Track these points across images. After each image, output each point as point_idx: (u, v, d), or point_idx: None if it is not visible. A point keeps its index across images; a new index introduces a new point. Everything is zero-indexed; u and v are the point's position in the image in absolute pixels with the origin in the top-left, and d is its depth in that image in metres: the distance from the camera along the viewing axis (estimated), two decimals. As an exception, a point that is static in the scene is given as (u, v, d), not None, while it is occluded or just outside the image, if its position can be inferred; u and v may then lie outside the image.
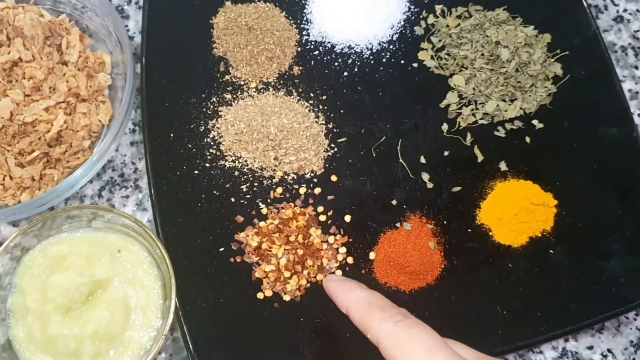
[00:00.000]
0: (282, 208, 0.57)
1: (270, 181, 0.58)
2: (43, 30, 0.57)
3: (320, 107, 0.61)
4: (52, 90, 0.55)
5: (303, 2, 0.64)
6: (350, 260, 0.55)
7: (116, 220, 0.51)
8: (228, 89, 0.61)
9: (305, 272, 0.54)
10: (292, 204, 0.57)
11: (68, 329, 0.47)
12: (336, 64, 0.62)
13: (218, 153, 0.58)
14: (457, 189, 0.58)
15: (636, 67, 0.66)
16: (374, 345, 0.51)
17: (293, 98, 0.61)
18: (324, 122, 0.60)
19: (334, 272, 0.54)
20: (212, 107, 0.60)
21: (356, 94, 0.61)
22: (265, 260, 0.54)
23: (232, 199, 0.57)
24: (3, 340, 0.49)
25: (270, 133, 0.58)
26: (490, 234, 0.56)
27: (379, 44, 0.63)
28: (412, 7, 0.65)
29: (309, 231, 0.55)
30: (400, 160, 0.59)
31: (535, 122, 0.60)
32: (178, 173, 0.57)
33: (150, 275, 0.51)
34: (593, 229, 0.56)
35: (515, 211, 0.56)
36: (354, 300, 0.42)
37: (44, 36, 0.57)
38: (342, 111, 0.60)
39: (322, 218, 0.56)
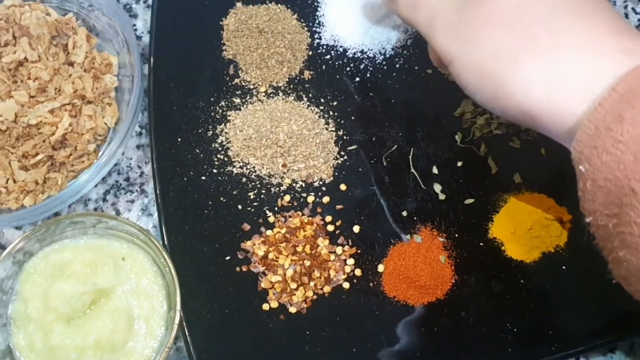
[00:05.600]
0: (290, 217, 0.55)
1: (278, 189, 0.56)
2: (49, 30, 0.56)
3: (331, 113, 0.59)
4: (57, 91, 0.54)
5: (316, 4, 0.63)
6: (358, 272, 0.54)
7: (120, 227, 0.50)
8: (237, 92, 0.60)
9: (312, 283, 0.53)
10: (299, 213, 0.56)
11: (70, 339, 0.47)
12: (348, 69, 0.61)
13: (226, 159, 0.57)
14: (469, 201, 0.56)
15: (656, 78, 0.64)
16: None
17: (303, 103, 0.59)
18: (334, 128, 0.59)
19: (341, 285, 0.53)
20: (220, 111, 0.59)
21: (368, 100, 0.60)
22: (271, 271, 0.53)
23: (239, 206, 0.56)
24: (3, 347, 0.48)
25: (279, 139, 0.57)
26: (503, 248, 0.55)
27: (393, 49, 0.62)
28: (427, 11, 0.63)
29: (316, 241, 0.54)
30: (412, 170, 0.57)
31: (551, 133, 0.59)
32: (185, 179, 0.56)
33: (155, 285, 0.50)
34: (608, 245, 0.55)
35: (529, 225, 0.55)
36: None
37: (50, 36, 0.56)
38: (352, 118, 0.59)
39: (330, 228, 0.55)
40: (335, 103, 0.60)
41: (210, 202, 0.55)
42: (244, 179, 0.57)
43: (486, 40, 0.37)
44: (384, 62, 0.61)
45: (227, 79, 0.60)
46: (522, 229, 0.55)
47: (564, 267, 0.54)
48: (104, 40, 0.60)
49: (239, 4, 0.62)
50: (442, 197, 0.56)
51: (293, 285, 0.53)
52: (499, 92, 0.37)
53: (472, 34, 0.38)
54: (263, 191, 0.56)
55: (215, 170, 0.57)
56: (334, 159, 0.58)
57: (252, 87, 0.60)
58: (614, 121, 0.32)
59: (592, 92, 0.34)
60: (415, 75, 0.61)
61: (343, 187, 0.57)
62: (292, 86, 0.60)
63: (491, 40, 0.37)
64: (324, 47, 0.62)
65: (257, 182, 0.57)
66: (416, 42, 0.62)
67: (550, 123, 0.36)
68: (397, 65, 0.61)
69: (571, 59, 0.35)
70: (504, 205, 0.56)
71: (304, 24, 0.62)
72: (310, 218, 0.55)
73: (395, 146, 0.58)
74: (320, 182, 0.57)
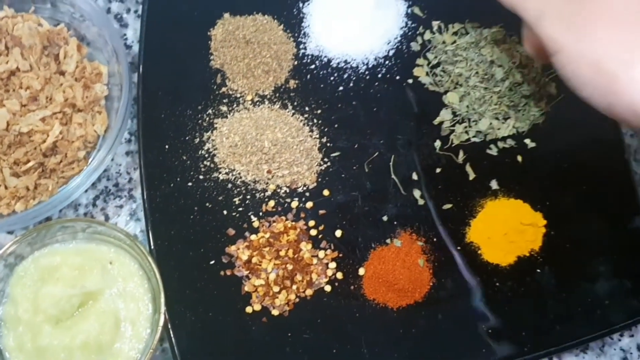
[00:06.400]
0: (274, 222, 0.57)
1: (262, 194, 0.58)
2: (41, 40, 0.57)
3: (315, 121, 0.61)
4: (48, 100, 0.56)
5: (301, 15, 0.65)
6: (339, 275, 0.56)
7: (109, 233, 0.52)
8: (224, 101, 0.61)
9: (294, 287, 0.55)
10: (283, 218, 0.57)
11: (58, 340, 0.48)
12: (332, 78, 0.63)
13: (212, 165, 0.59)
14: (448, 206, 0.58)
15: (631, 87, 0.66)
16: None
17: (288, 111, 0.61)
18: (317, 136, 0.60)
19: (322, 288, 0.55)
20: (207, 119, 0.60)
21: (351, 108, 0.62)
22: (254, 274, 0.55)
23: (225, 212, 0.57)
24: (-6, 348, 0.50)
25: (264, 147, 0.59)
26: (479, 252, 0.57)
27: (375, 59, 0.63)
28: (410, 22, 0.65)
29: (299, 246, 0.56)
30: (393, 176, 0.59)
31: (527, 141, 0.60)
32: (172, 185, 0.58)
33: (141, 288, 0.51)
34: (580, 250, 0.57)
35: (505, 230, 0.57)
36: None
37: (42, 46, 0.57)
38: (336, 125, 0.61)
39: (313, 232, 0.57)
40: (319, 111, 0.61)
41: (196, 208, 0.57)
42: (230, 185, 0.58)
43: (603, 35, 0.36)
44: (367, 72, 0.63)
45: (215, 87, 0.62)
46: (498, 234, 0.57)
47: (538, 270, 0.56)
48: (95, 50, 0.62)
49: (226, 15, 0.64)
50: (421, 202, 0.58)
51: (276, 289, 0.54)
52: (611, 89, 0.36)
53: (588, 27, 0.37)
54: (248, 197, 0.58)
55: (201, 177, 0.58)
56: (317, 165, 0.60)
57: (238, 95, 0.62)
58: None
59: None
60: (397, 84, 0.62)
61: (326, 192, 0.58)
62: (277, 95, 0.62)
63: (609, 35, 0.36)
64: (309, 57, 0.63)
65: (243, 188, 0.58)
66: (398, 53, 0.64)
67: None
68: (379, 75, 0.63)
69: None
70: (481, 211, 0.58)
71: (289, 35, 0.64)
72: (293, 223, 0.57)
73: (377, 153, 0.60)
74: (304, 188, 0.59)
